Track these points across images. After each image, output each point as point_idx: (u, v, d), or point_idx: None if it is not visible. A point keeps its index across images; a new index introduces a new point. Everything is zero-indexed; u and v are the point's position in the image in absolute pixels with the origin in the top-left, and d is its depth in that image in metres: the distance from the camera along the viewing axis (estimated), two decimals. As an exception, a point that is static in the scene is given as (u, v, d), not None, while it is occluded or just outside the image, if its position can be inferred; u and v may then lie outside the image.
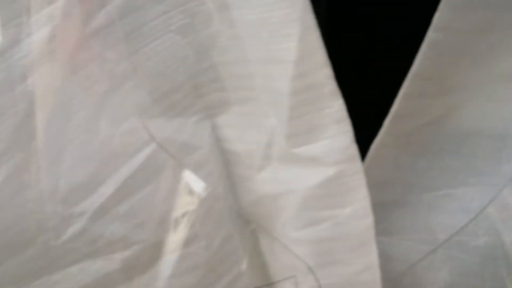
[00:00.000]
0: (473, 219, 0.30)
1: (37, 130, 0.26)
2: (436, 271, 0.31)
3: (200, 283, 0.30)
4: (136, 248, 0.28)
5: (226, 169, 0.31)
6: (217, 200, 0.30)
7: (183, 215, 0.29)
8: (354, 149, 0.28)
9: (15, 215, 0.26)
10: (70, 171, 0.27)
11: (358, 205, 0.28)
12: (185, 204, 0.29)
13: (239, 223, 0.32)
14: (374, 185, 0.29)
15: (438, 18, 0.25)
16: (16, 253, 0.27)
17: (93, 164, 0.27)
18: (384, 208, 0.30)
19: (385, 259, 0.30)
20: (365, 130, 0.28)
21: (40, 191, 0.26)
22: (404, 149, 0.29)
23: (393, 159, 0.29)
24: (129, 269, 0.29)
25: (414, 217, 0.31)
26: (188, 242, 0.29)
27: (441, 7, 0.25)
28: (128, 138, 0.28)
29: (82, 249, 0.28)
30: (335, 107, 0.27)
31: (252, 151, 0.30)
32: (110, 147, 0.27)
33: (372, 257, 0.29)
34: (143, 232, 0.28)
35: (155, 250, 0.29)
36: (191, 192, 0.29)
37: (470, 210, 0.30)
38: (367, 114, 0.28)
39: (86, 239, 0.28)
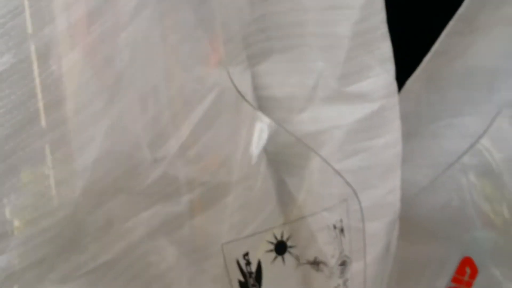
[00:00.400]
0: (472, 144, 0.35)
1: (135, 78, 0.26)
2: (441, 191, 0.37)
3: (243, 222, 0.32)
4: (200, 190, 0.30)
5: None
6: None
7: (241, 156, 0.31)
8: (395, 86, 0.32)
9: (114, 161, 0.26)
10: (153, 117, 0.28)
11: (392, 135, 0.33)
12: (239, 146, 0.31)
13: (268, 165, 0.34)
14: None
15: None
16: (106, 201, 0.27)
17: (171, 110, 0.28)
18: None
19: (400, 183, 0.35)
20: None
21: (135, 137, 0.27)
22: (427, 84, 0.34)
23: (417, 94, 0.34)
24: (192, 211, 0.30)
25: (422, 145, 0.36)
26: (239, 183, 0.31)
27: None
28: (196, 85, 0.29)
29: (155, 195, 0.29)
30: (384, 49, 0.31)
31: (295, 94, 0.33)
32: (183, 94, 0.29)
33: (397, 180, 0.34)
34: (207, 174, 0.30)
35: (214, 192, 0.31)
36: (246, 134, 0.32)
37: (467, 136, 0.36)
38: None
39: (162, 183, 0.29)
